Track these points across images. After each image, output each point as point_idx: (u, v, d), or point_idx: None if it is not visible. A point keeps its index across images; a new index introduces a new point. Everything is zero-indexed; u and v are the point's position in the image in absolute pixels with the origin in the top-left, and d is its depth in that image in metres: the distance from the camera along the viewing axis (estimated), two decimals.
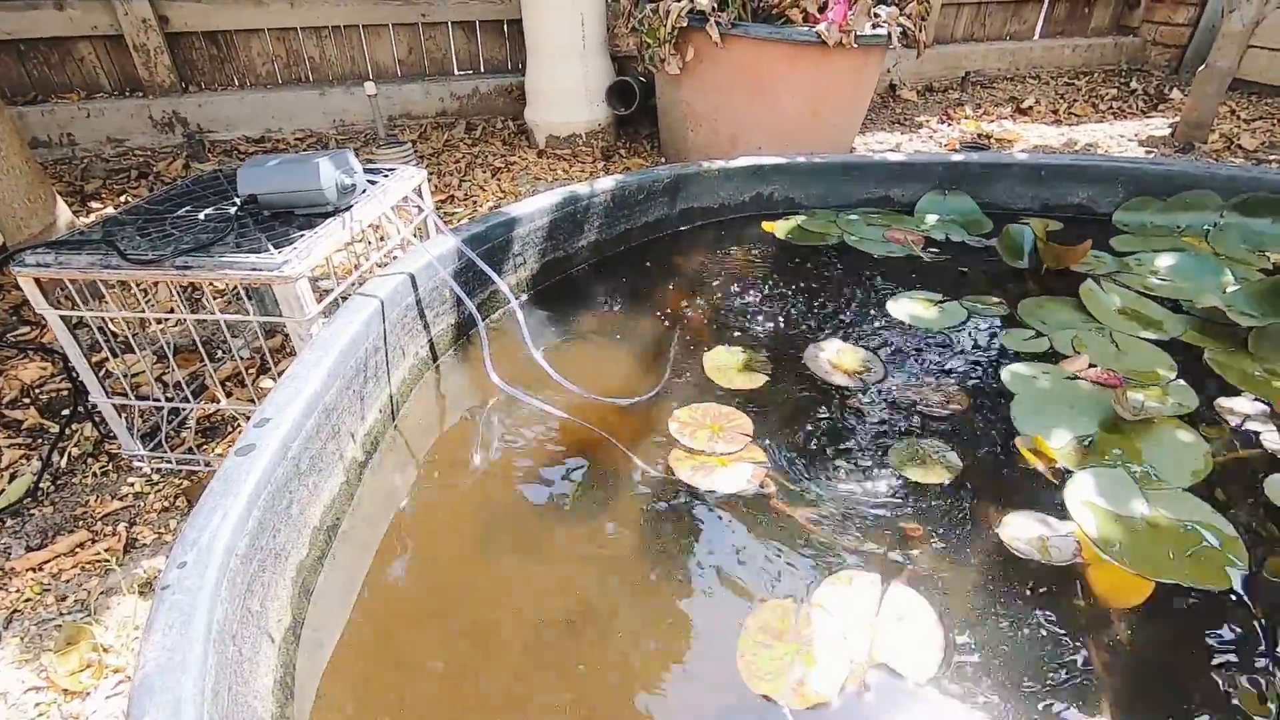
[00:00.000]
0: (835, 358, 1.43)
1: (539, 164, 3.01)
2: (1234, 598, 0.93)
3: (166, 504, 1.33)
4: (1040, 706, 0.81)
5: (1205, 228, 1.92)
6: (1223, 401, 1.29)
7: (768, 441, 1.21)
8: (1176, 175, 1.96)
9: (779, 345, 1.49)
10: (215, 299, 1.91)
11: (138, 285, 1.26)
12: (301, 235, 1.20)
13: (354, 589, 0.98)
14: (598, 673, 0.86)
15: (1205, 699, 0.82)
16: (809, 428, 1.25)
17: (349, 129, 3.39)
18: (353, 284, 1.33)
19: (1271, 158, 2.98)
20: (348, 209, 1.29)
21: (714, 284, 1.75)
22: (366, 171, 1.48)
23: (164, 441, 1.41)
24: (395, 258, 1.40)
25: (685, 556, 1.01)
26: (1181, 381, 1.35)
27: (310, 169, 1.23)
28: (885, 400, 1.31)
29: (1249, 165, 2.56)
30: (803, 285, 1.73)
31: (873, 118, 3.68)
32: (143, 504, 1.33)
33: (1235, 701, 0.82)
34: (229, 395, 1.57)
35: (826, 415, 1.28)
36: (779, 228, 2.02)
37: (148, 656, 0.66)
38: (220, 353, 1.72)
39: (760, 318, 1.60)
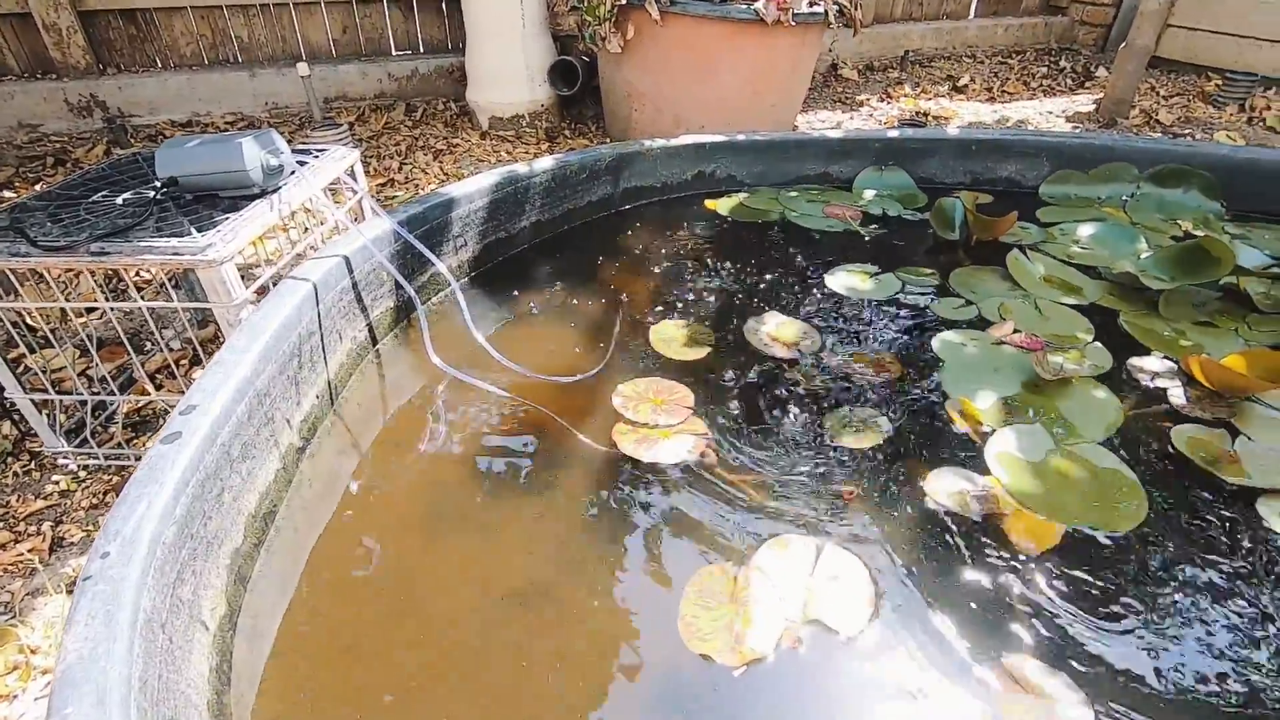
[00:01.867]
0: (775, 330, 1.46)
1: (482, 146, 2.97)
2: (1137, 538, 1.00)
3: (95, 501, 1.28)
4: (963, 648, 0.86)
5: (1123, 198, 2.01)
6: (1134, 361, 1.37)
7: (709, 413, 1.24)
8: (1096, 149, 2.04)
9: (721, 318, 1.51)
10: (143, 288, 1.83)
11: (53, 276, 1.20)
12: (226, 218, 1.16)
13: (296, 574, 0.97)
14: (544, 645, 0.87)
15: (1115, 632, 0.88)
16: (749, 399, 1.28)
17: (283, 112, 3.27)
18: (284, 268, 1.30)
19: (1186, 131, 3.13)
20: (275, 190, 1.26)
21: (658, 261, 1.76)
22: (296, 152, 1.44)
23: (89, 437, 1.36)
24: (328, 241, 1.37)
25: (629, 528, 1.02)
26: (1098, 344, 1.42)
27: (233, 149, 1.19)
28: (822, 370, 1.35)
29: (1162, 138, 2.69)
30: (745, 261, 1.76)
31: (815, 97, 3.73)
32: (69, 502, 1.28)
33: (1140, 632, 0.88)
34: (159, 388, 1.51)
35: (766, 386, 1.31)
36: (722, 205, 2.04)
37: (70, 648, 0.64)
38: (149, 345, 1.66)
39: (703, 293, 1.62)
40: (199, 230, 1.12)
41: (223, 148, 1.20)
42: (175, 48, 3.17)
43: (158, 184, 1.24)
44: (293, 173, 1.31)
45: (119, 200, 1.24)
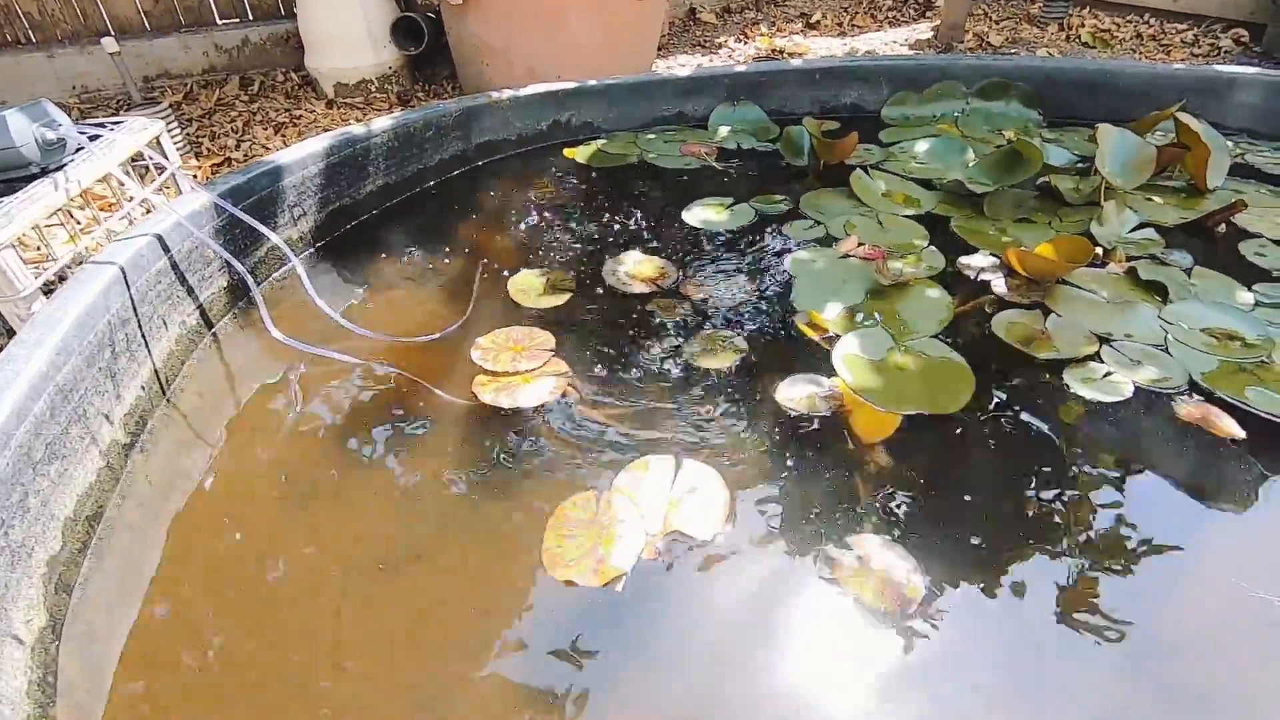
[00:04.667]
0: (633, 268, 1.47)
1: (329, 116, 2.78)
2: (965, 416, 1.09)
3: None
4: (813, 536, 0.91)
5: (955, 114, 2.14)
6: (963, 259, 1.48)
7: (571, 354, 1.23)
8: (928, 68, 2.15)
9: (582, 263, 1.51)
10: None
11: None
12: None
13: (138, 575, 0.90)
14: (415, 603, 0.86)
15: (944, 502, 0.96)
16: (609, 336, 1.29)
17: (96, 96, 2.94)
18: (82, 253, 1.18)
19: (1014, 51, 3.36)
20: (59, 168, 1.13)
21: (518, 214, 1.73)
22: (86, 125, 1.29)
23: None
24: (134, 222, 1.25)
25: (493, 476, 1.01)
26: (933, 248, 1.52)
27: None
28: (680, 300, 1.38)
29: (983, 55, 2.86)
30: (605, 205, 1.75)
31: (674, 42, 3.72)
32: None
33: (966, 500, 0.96)
34: None
35: (626, 322, 1.32)
36: (580, 153, 2.02)
37: None
38: None
39: (564, 241, 1.60)
40: None
41: None
42: None
43: None
44: (80, 149, 1.18)
45: None
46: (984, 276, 1.42)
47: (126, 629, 0.84)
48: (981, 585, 0.86)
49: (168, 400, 1.16)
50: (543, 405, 1.12)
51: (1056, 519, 0.94)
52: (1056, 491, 0.97)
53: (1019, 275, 1.40)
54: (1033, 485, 0.98)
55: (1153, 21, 3.54)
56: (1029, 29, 3.66)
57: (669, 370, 1.20)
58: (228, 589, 0.88)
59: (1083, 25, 3.58)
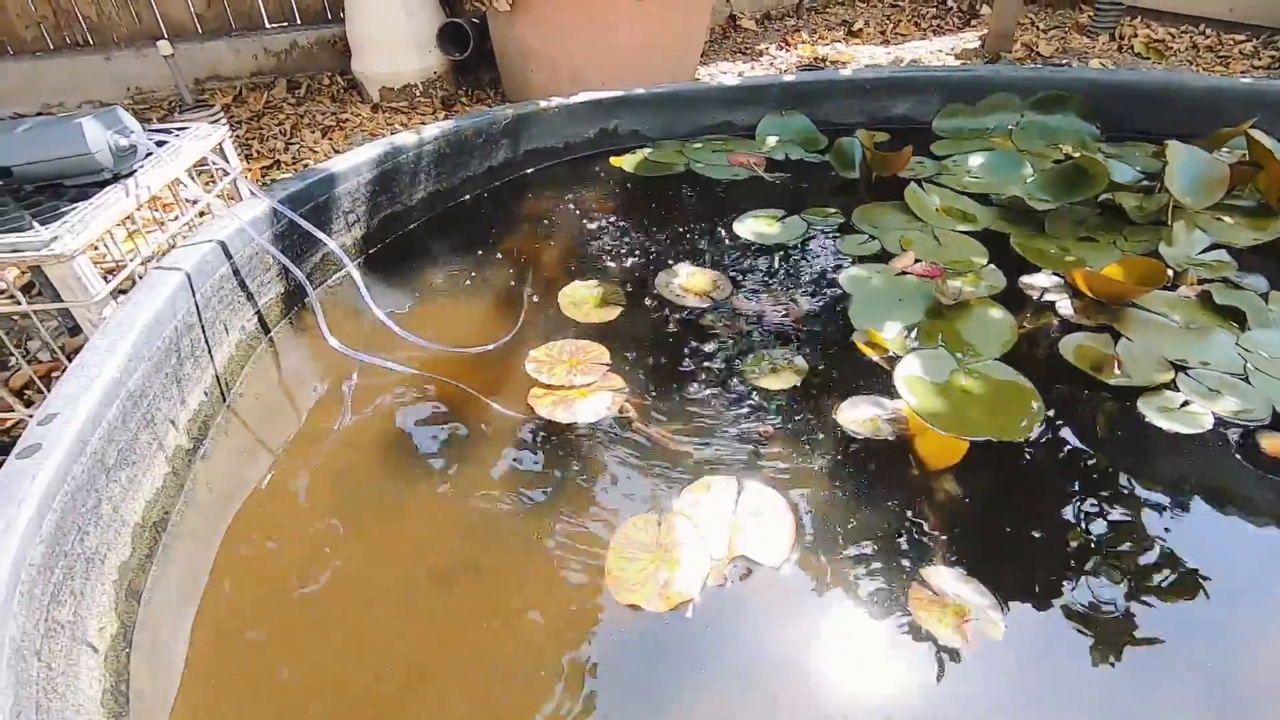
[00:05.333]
0: (686, 281, 1.45)
1: (375, 119, 2.81)
2: (1034, 445, 1.05)
3: None
4: (881, 565, 0.89)
5: (1009, 127, 2.09)
6: (1025, 279, 1.44)
7: (625, 369, 1.22)
8: (980, 80, 2.11)
9: (633, 276, 1.49)
10: None
11: None
12: (73, 208, 1.05)
13: (199, 583, 0.91)
14: (471, 618, 0.85)
15: (1019, 536, 0.93)
16: (665, 351, 1.27)
17: (149, 97, 3.01)
18: (150, 259, 1.20)
19: (1064, 61, 3.28)
20: (130, 174, 1.15)
21: (565, 223, 1.72)
22: (153, 131, 1.31)
23: None
24: (197, 227, 1.26)
25: (551, 491, 1.00)
26: (992, 266, 1.48)
27: (72, 131, 1.08)
28: (735, 316, 1.36)
29: (1039, 66, 2.80)
30: (653, 215, 1.74)
31: (715, 49, 3.71)
32: None
33: (1034, 536, 0.93)
34: (29, 405, 1.38)
35: (681, 337, 1.31)
36: (626, 161, 2.01)
37: None
38: (13, 360, 1.51)
39: (613, 251, 1.59)
40: (42, 223, 1.01)
41: (60, 130, 1.08)
42: (11, 31, 2.86)
43: None
44: (149, 154, 1.20)
45: None
46: (1048, 297, 1.38)
47: (189, 638, 0.85)
48: (1061, 626, 0.83)
49: (228, 406, 1.17)
50: (599, 421, 1.11)
51: (1139, 558, 0.90)
52: (1137, 529, 0.94)
53: (1085, 297, 1.36)
54: (1112, 521, 0.95)
55: (1209, 32, 3.45)
56: (1079, 39, 3.59)
57: (725, 388, 1.18)
58: (284, 599, 0.88)
59: (1135, 35, 3.49)
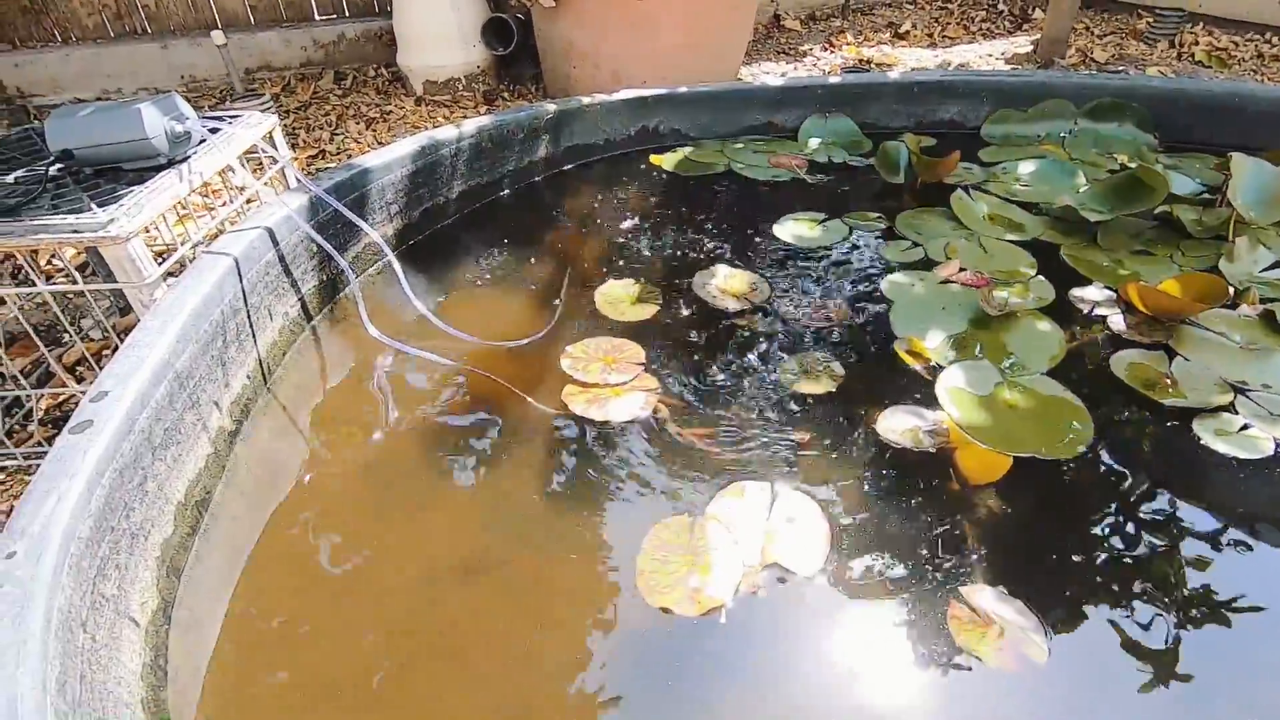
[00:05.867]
0: (724, 283, 1.44)
1: (417, 112, 2.84)
2: (1083, 465, 1.02)
3: (14, 504, 1.20)
4: (919, 581, 0.86)
5: (1062, 135, 2.03)
6: (1076, 292, 1.39)
7: (661, 369, 1.21)
8: (1034, 86, 2.05)
9: (669, 275, 1.48)
10: (54, 275, 1.72)
11: None
12: (130, 191, 1.08)
13: (237, 562, 0.93)
14: (499, 612, 0.85)
15: (1065, 558, 0.90)
16: (700, 351, 1.26)
17: (201, 85, 3.09)
18: (201, 243, 1.22)
19: (1120, 69, 3.18)
20: (184, 160, 1.17)
21: (603, 221, 1.72)
22: (207, 118, 1.34)
23: (5, 438, 1.27)
24: (247, 214, 1.29)
25: (583, 489, 1.00)
26: (1041, 277, 1.44)
27: (131, 116, 1.10)
28: (773, 319, 1.34)
29: (1094, 73, 2.72)
30: (691, 215, 1.73)
31: (759, 49, 3.67)
32: None
33: (1090, 557, 0.90)
34: (80, 381, 1.42)
35: (717, 338, 1.29)
36: (666, 160, 2.00)
37: None
38: (66, 337, 1.56)
39: (651, 250, 1.58)
40: (100, 205, 1.04)
41: (120, 115, 1.11)
42: (76, 19, 2.95)
43: (51, 159, 1.15)
44: (203, 141, 1.22)
45: (9, 179, 1.15)
46: (1099, 311, 1.34)
47: (222, 617, 0.86)
48: (1106, 652, 0.80)
49: (269, 390, 1.19)
50: (633, 420, 1.11)
51: (1188, 585, 0.86)
52: (1187, 555, 0.90)
53: (1139, 312, 1.31)
54: (1160, 545, 0.91)
55: (1275, 40, 3.31)
56: (1136, 45, 3.47)
57: (762, 392, 1.16)
58: (315, 583, 0.89)
59: (1196, 43, 3.37)
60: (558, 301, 1.40)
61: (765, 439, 1.07)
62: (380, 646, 0.81)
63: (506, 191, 1.84)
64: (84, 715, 0.63)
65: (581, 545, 0.93)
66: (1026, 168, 1.86)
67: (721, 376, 1.20)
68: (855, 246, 1.57)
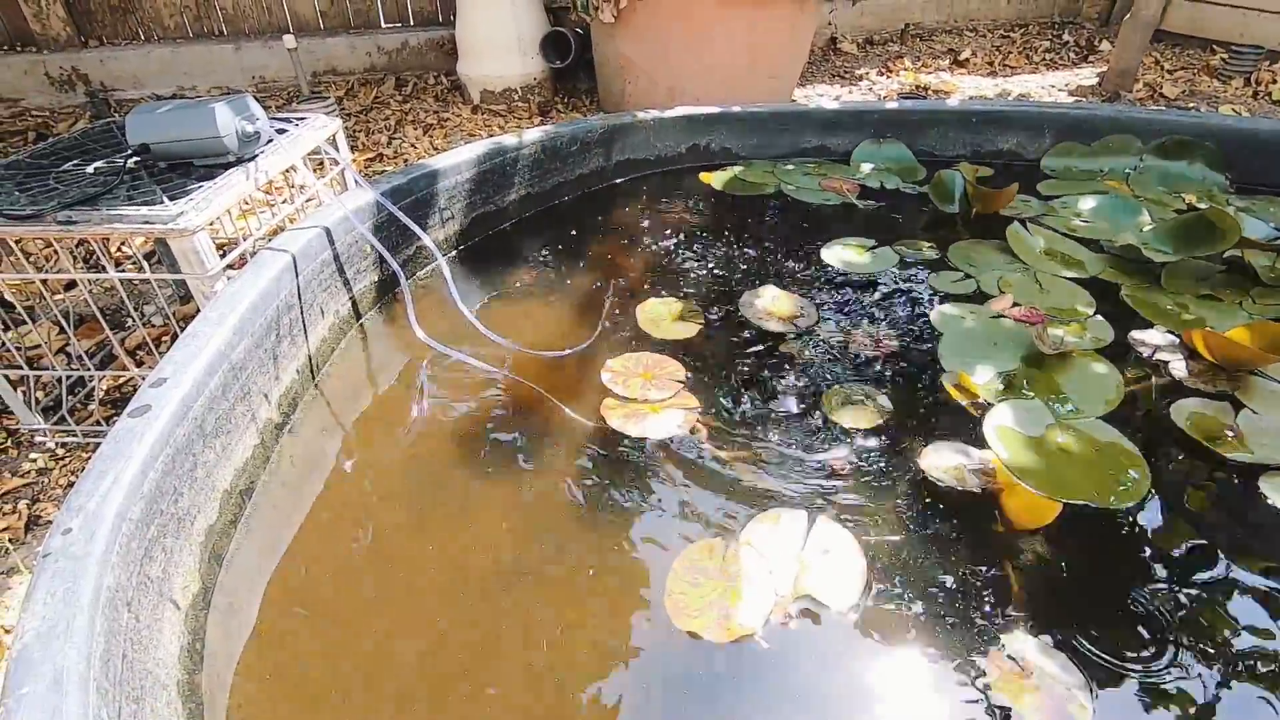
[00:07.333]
0: (770, 305, 1.43)
1: (473, 120, 2.91)
2: (1137, 516, 0.97)
3: (73, 479, 1.26)
4: (958, 626, 0.83)
5: (1126, 171, 1.97)
6: (1136, 334, 1.34)
7: (700, 388, 1.21)
8: (1099, 120, 2.00)
9: (715, 294, 1.48)
10: (123, 263, 1.79)
11: (20, 248, 1.17)
12: (200, 186, 1.12)
13: (276, 553, 0.94)
14: (526, 623, 0.85)
15: (1115, 614, 0.86)
16: (742, 373, 1.25)
17: (270, 86, 3.21)
18: (262, 239, 1.26)
19: (1191, 105, 3.08)
20: (252, 159, 1.22)
21: (650, 236, 1.72)
22: (275, 119, 1.39)
23: (67, 415, 1.33)
24: (307, 212, 1.33)
25: (617, 504, 1.00)
26: (1099, 317, 1.39)
27: (205, 115, 1.15)
28: (818, 345, 1.32)
29: (1166, 110, 2.64)
30: (739, 235, 1.72)
31: (814, 71, 3.66)
32: (47, 480, 1.25)
33: (1128, 614, 0.86)
34: (140, 364, 1.48)
35: (760, 361, 1.28)
36: (716, 179, 2.00)
37: (27, 626, 0.62)
38: (130, 321, 1.62)
39: (696, 268, 1.58)
40: (171, 198, 1.08)
41: (195, 113, 1.15)
42: (158, 19, 3.10)
43: (129, 152, 1.20)
44: (270, 141, 1.27)
45: (89, 169, 1.20)
46: (1160, 356, 1.28)
47: (259, 605, 0.88)
48: (1153, 716, 0.75)
49: (316, 386, 1.22)
50: (670, 439, 1.10)
51: (1243, 649, 0.81)
52: (1244, 617, 0.85)
53: (1203, 359, 1.25)
54: (1216, 605, 0.86)
55: None
56: (1208, 81, 3.36)
57: (803, 418, 1.15)
58: (350, 578, 0.90)
59: (1275, 81, 3.24)
60: (602, 315, 1.40)
61: (803, 466, 1.06)
62: (406, 646, 0.82)
63: (558, 202, 1.86)
64: (124, 693, 0.64)
65: (612, 560, 0.92)
66: (1087, 203, 1.81)
67: (763, 400, 1.19)
68: (905, 275, 1.55)
